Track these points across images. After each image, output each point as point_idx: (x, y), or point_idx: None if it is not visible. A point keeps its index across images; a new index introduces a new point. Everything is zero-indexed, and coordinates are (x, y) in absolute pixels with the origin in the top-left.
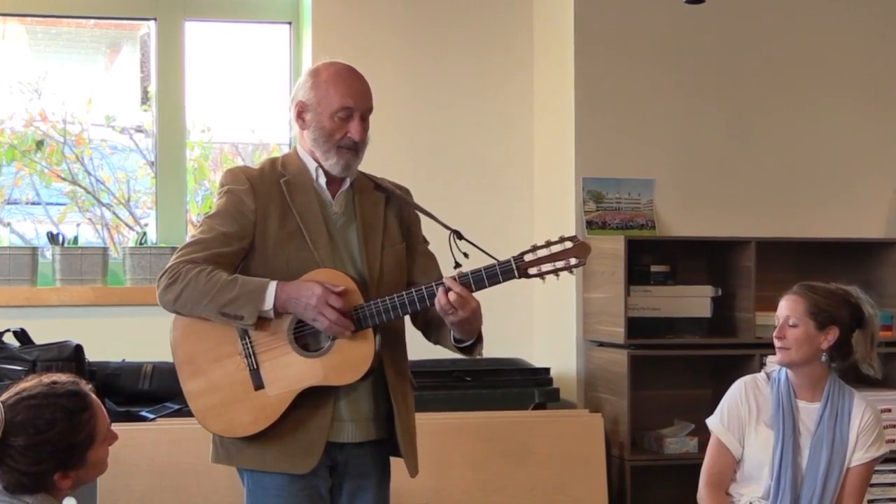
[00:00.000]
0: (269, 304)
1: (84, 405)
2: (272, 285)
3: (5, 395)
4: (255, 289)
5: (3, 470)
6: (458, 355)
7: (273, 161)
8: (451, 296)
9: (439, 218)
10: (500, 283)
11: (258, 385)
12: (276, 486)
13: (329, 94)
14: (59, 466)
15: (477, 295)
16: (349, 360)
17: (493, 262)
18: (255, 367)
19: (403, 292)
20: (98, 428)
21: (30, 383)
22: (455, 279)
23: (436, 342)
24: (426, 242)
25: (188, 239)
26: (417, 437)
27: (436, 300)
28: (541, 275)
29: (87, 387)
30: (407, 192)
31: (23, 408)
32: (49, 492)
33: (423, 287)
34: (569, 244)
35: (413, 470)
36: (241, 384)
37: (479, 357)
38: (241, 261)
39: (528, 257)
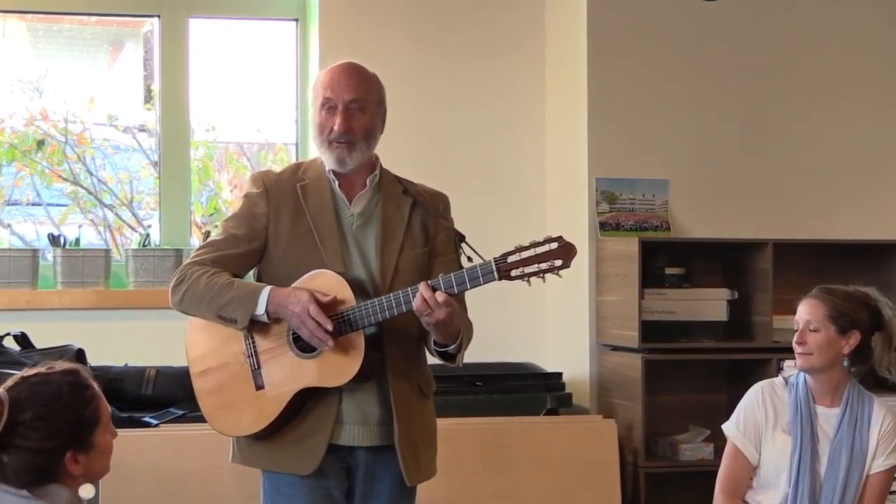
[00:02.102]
0: (261, 308)
1: (85, 382)
2: (265, 290)
3: (4, 385)
4: (249, 293)
5: (12, 453)
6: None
7: (297, 166)
8: (427, 296)
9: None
10: (481, 284)
11: (259, 385)
12: (288, 486)
13: (317, 91)
14: (71, 443)
15: (487, 298)
16: (339, 362)
17: (478, 262)
18: (256, 367)
19: (391, 295)
20: (102, 409)
21: (26, 371)
22: (427, 284)
23: (429, 351)
24: (456, 254)
25: (205, 241)
26: None
27: (415, 299)
28: (524, 277)
29: (83, 367)
30: (443, 198)
31: (26, 385)
32: (62, 479)
33: (408, 290)
34: (554, 245)
35: (409, 478)
36: (244, 384)
37: (460, 366)
38: (254, 262)
39: (511, 259)
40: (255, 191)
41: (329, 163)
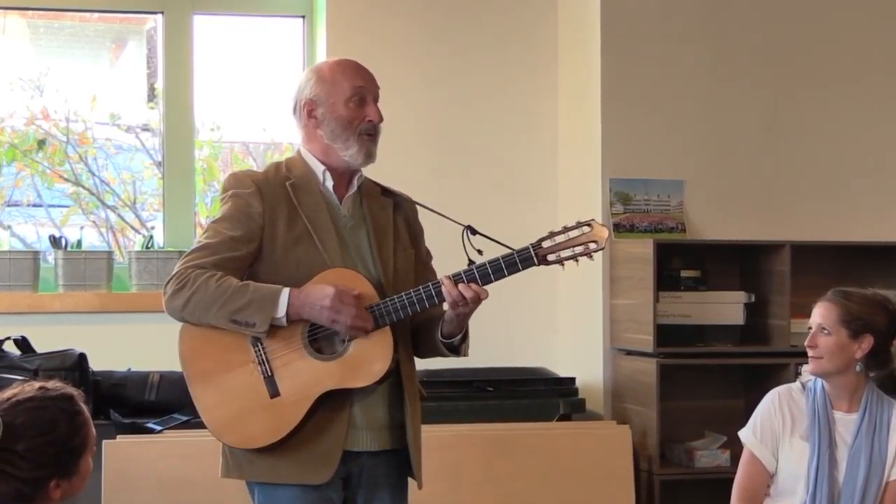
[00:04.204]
0: (281, 310)
1: (78, 408)
2: (285, 292)
3: None
4: (267, 295)
5: (1, 479)
6: (455, 364)
7: (277, 165)
8: (464, 289)
9: (452, 216)
10: (519, 271)
11: (274, 393)
12: (289, 499)
13: (338, 83)
14: (57, 472)
15: (498, 301)
16: (367, 360)
17: (511, 250)
18: (269, 374)
19: (412, 290)
20: (90, 435)
21: (18, 389)
22: (451, 279)
23: (419, 349)
24: (430, 256)
25: (194, 245)
26: (436, 449)
27: (444, 291)
28: (560, 261)
29: (77, 392)
30: (412, 201)
31: (21, 411)
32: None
33: (430, 284)
34: (586, 229)
35: (419, 481)
36: (256, 393)
37: (467, 356)
38: (249, 265)
39: (546, 244)
40: (246, 190)
41: (356, 158)
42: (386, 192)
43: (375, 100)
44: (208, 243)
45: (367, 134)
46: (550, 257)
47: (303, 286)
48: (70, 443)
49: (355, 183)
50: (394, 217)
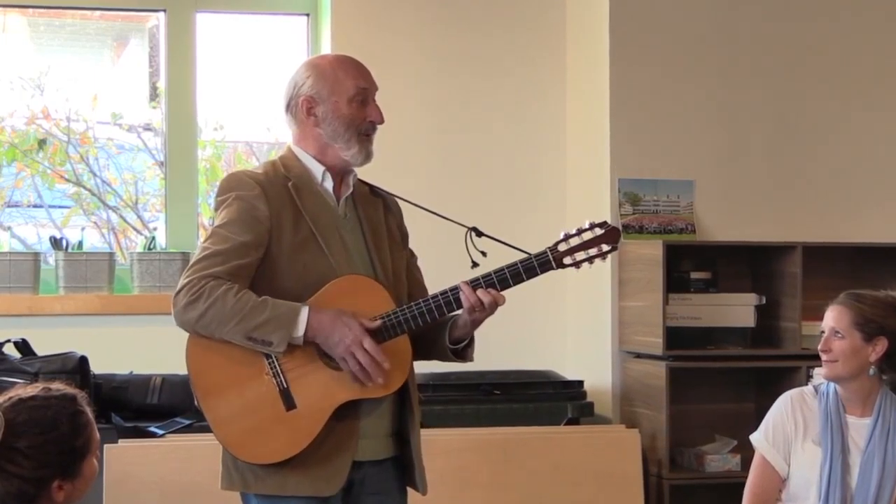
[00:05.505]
0: (300, 330)
1: (80, 409)
2: (304, 311)
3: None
4: (286, 313)
5: (2, 478)
6: (462, 367)
7: (274, 164)
8: (482, 294)
9: (458, 216)
10: (537, 275)
11: (290, 405)
12: None
13: (341, 81)
14: (59, 473)
15: (505, 303)
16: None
17: (527, 255)
18: (284, 386)
19: (429, 297)
20: (93, 437)
21: (22, 389)
22: (468, 283)
23: (417, 353)
24: (415, 258)
25: (201, 252)
26: (443, 453)
27: (463, 297)
28: (575, 264)
29: (80, 393)
30: (395, 200)
31: (24, 409)
32: None
33: (448, 291)
34: (599, 230)
35: (423, 488)
36: (272, 406)
37: (470, 361)
38: (254, 272)
39: (561, 247)
40: (251, 192)
41: (357, 158)
42: (374, 191)
43: (374, 99)
44: (219, 250)
45: (366, 134)
46: (566, 260)
47: (321, 300)
48: (72, 442)
49: (350, 182)
50: (385, 218)
